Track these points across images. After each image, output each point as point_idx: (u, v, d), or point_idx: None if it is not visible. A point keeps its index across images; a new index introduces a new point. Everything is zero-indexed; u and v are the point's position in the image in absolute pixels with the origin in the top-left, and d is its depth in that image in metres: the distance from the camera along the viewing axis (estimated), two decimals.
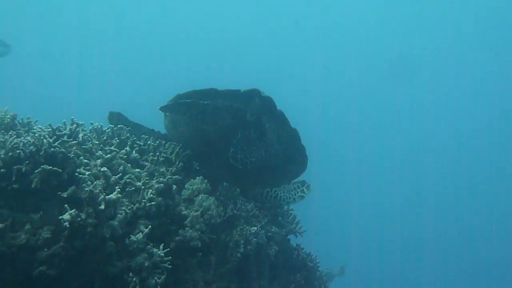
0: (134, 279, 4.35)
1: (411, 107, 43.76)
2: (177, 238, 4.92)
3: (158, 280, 4.40)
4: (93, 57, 42.43)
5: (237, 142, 5.54)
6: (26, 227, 4.41)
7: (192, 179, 5.39)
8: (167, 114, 6.04)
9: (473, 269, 28.99)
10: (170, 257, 4.57)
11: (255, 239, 6.66)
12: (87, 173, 4.58)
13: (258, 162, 5.71)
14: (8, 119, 5.59)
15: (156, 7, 47.18)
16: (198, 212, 4.96)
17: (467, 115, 43.25)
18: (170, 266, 4.56)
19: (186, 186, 5.25)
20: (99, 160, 4.88)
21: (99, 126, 5.66)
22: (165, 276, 4.49)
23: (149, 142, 5.69)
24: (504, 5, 41.25)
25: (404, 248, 30.82)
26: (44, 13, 43.27)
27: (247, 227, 6.66)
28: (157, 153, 5.50)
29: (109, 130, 5.66)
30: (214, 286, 6.07)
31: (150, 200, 4.74)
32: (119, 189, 4.58)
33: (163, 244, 4.64)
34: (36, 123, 5.73)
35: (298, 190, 6.66)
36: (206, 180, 5.31)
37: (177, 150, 5.62)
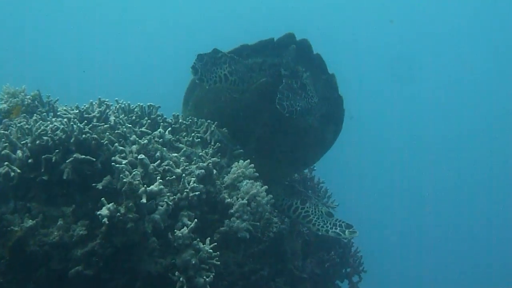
0: (181, 278, 3.96)
1: (411, 108, 43.26)
2: (222, 229, 4.53)
3: (206, 279, 4.02)
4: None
5: (283, 88, 5.12)
6: (59, 222, 4.04)
7: (236, 162, 4.98)
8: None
9: (473, 269, 28.86)
10: (218, 253, 4.18)
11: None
12: (123, 161, 4.14)
13: (299, 119, 5.37)
14: (29, 100, 5.11)
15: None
16: (245, 200, 4.55)
17: (467, 115, 42.86)
18: (219, 263, 4.18)
19: (232, 170, 4.83)
20: (134, 146, 4.44)
21: (126, 105, 5.18)
22: (213, 274, 4.11)
23: (180, 120, 5.24)
24: (504, 5, 40.61)
25: (403, 248, 30.64)
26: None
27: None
28: (192, 134, 5.05)
29: (137, 109, 5.19)
30: (246, 268, 5.74)
31: (193, 189, 4.32)
32: (160, 179, 4.15)
33: (209, 238, 4.24)
34: (57, 103, 5.27)
35: (338, 228, 5.84)
36: (252, 165, 4.87)
37: (212, 128, 5.18)
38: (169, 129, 5.04)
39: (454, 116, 42.68)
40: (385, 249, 28.23)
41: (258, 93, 5.36)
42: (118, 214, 3.88)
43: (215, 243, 4.24)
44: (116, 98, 5.22)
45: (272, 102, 5.13)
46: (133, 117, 5.09)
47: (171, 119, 5.24)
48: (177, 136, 5.06)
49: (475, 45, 43.66)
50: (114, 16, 43.28)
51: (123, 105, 5.16)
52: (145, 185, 4.03)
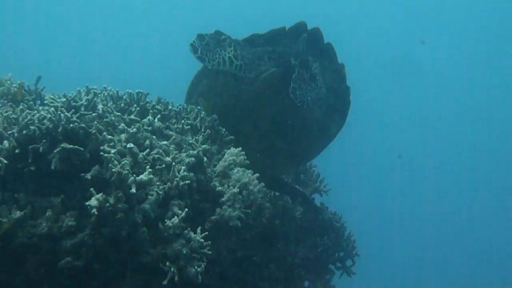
0: (171, 268, 3.91)
1: (409, 107, 43.05)
2: (213, 217, 4.46)
3: (198, 268, 3.97)
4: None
5: (296, 77, 5.08)
6: (47, 213, 3.98)
7: (227, 149, 4.92)
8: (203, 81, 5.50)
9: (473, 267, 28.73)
10: (210, 242, 4.13)
11: (280, 202, 6.28)
12: (112, 151, 4.07)
13: (307, 111, 5.34)
14: (15, 89, 5.01)
15: None
16: (236, 189, 4.48)
17: (466, 114, 42.70)
18: (210, 252, 4.13)
19: (225, 157, 4.75)
20: (123, 135, 4.36)
21: (114, 92, 5.08)
22: (205, 263, 4.07)
23: (170, 107, 5.16)
24: (504, 4, 40.32)
25: (403, 248, 30.52)
26: None
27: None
28: (182, 121, 4.97)
29: (126, 96, 5.09)
30: (238, 255, 5.71)
31: (183, 178, 4.25)
32: (150, 169, 4.09)
33: (200, 227, 4.19)
34: (44, 90, 5.17)
35: None
36: (243, 152, 4.80)
37: (201, 115, 5.10)
38: (158, 116, 4.95)
39: (454, 115, 42.58)
40: (385, 249, 28.35)
41: (268, 84, 5.26)
42: (108, 204, 3.82)
43: (207, 232, 4.18)
44: (105, 85, 5.12)
45: (281, 93, 5.14)
46: (122, 105, 4.99)
47: (160, 106, 5.15)
48: (166, 123, 4.99)
49: (476, 43, 43.40)
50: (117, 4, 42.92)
51: (111, 93, 5.06)
52: (134, 175, 3.97)
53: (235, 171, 4.60)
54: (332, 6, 43.87)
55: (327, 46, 5.69)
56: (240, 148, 4.79)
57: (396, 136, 40.03)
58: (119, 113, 4.67)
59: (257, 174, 4.61)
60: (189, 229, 4.08)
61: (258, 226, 6.07)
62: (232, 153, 4.72)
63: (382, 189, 35.49)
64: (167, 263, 3.94)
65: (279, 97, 5.27)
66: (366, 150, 37.76)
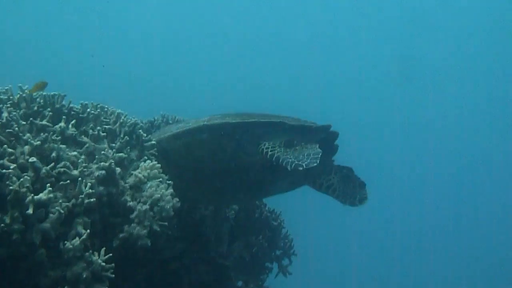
0: None
1: (417, 109, 42.62)
2: (121, 235, 4.25)
3: None
4: None
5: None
6: None
7: (142, 162, 4.68)
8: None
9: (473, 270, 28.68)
10: (113, 265, 3.93)
11: None
12: (11, 166, 3.83)
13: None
14: None
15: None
16: (147, 206, 4.26)
17: (473, 117, 42.35)
18: (113, 276, 3.94)
19: (137, 171, 4.51)
20: (26, 147, 4.09)
21: (28, 93, 4.77)
22: (107, 287, 3.88)
23: (88, 110, 4.88)
24: (506, 4, 39.79)
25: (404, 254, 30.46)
26: None
27: None
28: (98, 127, 4.70)
29: (39, 98, 4.79)
30: (166, 252, 5.57)
31: (89, 196, 4.02)
32: (50, 188, 3.85)
33: (104, 248, 3.98)
34: None
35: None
36: (159, 165, 4.57)
37: (122, 118, 4.85)
38: (73, 121, 4.66)
39: (461, 117, 42.37)
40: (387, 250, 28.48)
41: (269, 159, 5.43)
42: (3, 224, 3.61)
43: (110, 254, 3.98)
44: (20, 84, 4.81)
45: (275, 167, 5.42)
46: (35, 108, 4.70)
47: (79, 108, 4.88)
48: (83, 128, 4.72)
49: (483, 44, 42.99)
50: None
51: (25, 95, 4.73)
52: (32, 194, 3.73)
53: (148, 185, 4.38)
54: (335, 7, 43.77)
55: (334, 146, 6.18)
56: (156, 162, 4.58)
57: (402, 139, 40.18)
58: (25, 122, 4.37)
59: (171, 190, 4.40)
60: (90, 251, 3.88)
61: (189, 225, 5.93)
62: (146, 167, 4.48)
63: (383, 191, 35.65)
64: (66, 287, 3.76)
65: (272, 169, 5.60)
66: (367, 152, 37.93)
